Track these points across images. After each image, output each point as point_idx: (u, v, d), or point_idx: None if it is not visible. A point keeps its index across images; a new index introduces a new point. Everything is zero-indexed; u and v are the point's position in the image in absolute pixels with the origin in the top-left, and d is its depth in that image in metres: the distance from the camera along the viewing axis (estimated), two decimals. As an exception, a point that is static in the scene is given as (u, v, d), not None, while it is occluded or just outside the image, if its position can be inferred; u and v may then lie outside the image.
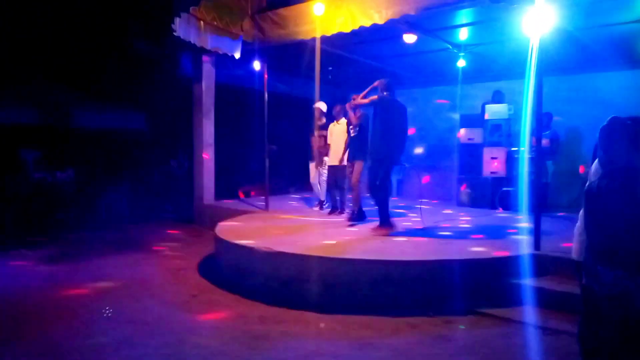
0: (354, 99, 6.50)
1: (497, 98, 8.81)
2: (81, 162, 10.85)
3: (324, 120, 7.96)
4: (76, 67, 13.28)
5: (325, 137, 7.80)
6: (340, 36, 6.57)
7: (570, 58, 8.15)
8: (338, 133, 7.50)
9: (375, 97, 6.01)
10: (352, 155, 6.87)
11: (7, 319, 4.23)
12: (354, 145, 6.85)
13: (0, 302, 4.72)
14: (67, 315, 4.32)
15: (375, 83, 6.05)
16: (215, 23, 7.14)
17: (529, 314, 4.22)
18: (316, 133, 7.83)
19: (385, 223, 5.93)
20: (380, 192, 5.84)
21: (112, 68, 13.29)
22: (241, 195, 10.70)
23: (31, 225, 8.86)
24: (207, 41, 7.14)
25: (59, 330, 3.97)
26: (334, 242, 5.52)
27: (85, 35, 13.05)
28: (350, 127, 6.95)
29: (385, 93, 5.93)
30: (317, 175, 8.11)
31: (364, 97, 6.22)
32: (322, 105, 7.97)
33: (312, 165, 8.26)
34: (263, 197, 8.70)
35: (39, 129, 10.87)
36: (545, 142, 7.64)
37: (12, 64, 12.02)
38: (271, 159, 8.47)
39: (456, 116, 9.35)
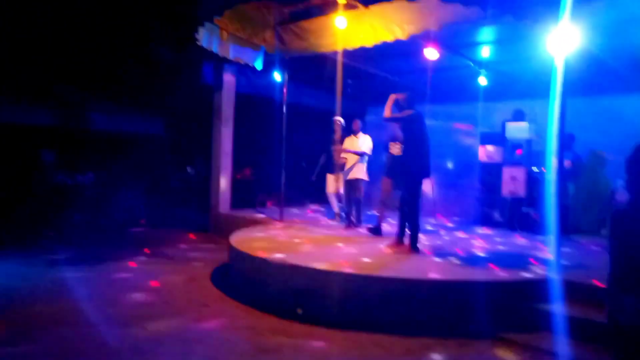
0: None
1: (518, 116, 8.70)
2: (101, 166, 11.00)
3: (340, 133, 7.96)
4: (99, 72, 13.50)
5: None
6: (361, 50, 6.58)
7: (594, 80, 8.02)
8: (355, 148, 7.49)
9: (409, 111, 5.79)
10: (392, 172, 6.73)
11: (18, 320, 4.24)
12: (395, 162, 6.67)
13: (13, 302, 4.75)
14: (76, 320, 4.32)
15: (395, 96, 5.90)
16: (237, 33, 7.22)
17: (549, 340, 4.08)
18: (337, 146, 7.81)
19: (414, 241, 5.74)
20: (415, 208, 5.71)
21: (133, 74, 13.48)
22: (269, 205, 10.68)
23: (49, 227, 8.97)
24: (229, 51, 7.22)
25: (68, 334, 3.97)
26: (347, 256, 5.46)
27: (108, 40, 13.29)
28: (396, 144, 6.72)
29: (408, 110, 5.82)
30: (335, 188, 8.10)
31: (392, 112, 5.96)
32: (341, 119, 7.97)
33: (330, 177, 8.24)
34: (278, 208, 8.69)
35: (61, 131, 11.08)
36: (567, 163, 7.50)
37: (36, 68, 12.28)
38: (288, 170, 8.47)
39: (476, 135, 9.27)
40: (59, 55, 12.87)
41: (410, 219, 5.73)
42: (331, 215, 8.65)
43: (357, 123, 7.66)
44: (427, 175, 5.80)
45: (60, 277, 5.73)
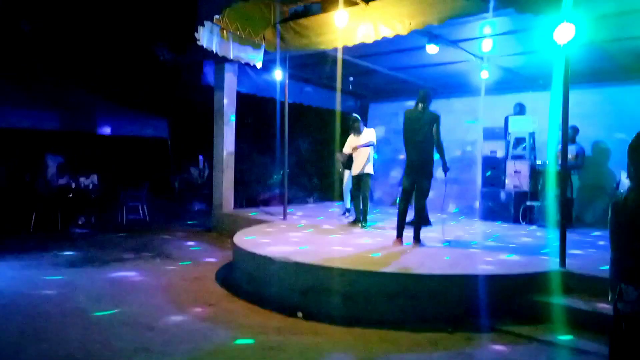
0: None
1: (519, 110, 8.67)
2: (104, 168, 11.04)
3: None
4: (101, 74, 13.57)
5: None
6: (361, 46, 6.56)
7: (597, 70, 7.99)
8: (360, 142, 7.51)
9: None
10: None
11: (25, 322, 4.26)
12: None
13: (18, 305, 4.77)
14: (83, 321, 4.34)
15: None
16: (238, 32, 7.21)
17: (554, 332, 4.07)
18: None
19: (417, 235, 5.93)
20: (423, 202, 5.91)
21: (136, 76, 13.54)
22: (272, 203, 10.72)
23: (53, 229, 9.02)
24: (230, 50, 7.21)
25: (74, 335, 3.98)
26: (352, 253, 5.46)
27: (110, 43, 13.34)
28: None
29: (420, 105, 5.89)
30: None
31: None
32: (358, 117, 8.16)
33: (347, 173, 8.25)
34: (281, 207, 8.69)
35: (64, 135, 11.11)
36: (571, 156, 7.48)
37: (39, 71, 12.34)
38: (290, 169, 8.49)
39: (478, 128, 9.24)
40: (62, 60, 12.94)
41: (419, 211, 5.90)
42: (345, 211, 8.64)
43: (358, 121, 7.68)
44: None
45: (66, 279, 5.75)
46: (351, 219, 7.92)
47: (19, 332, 4.02)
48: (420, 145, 5.77)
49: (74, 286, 5.46)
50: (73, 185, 9.68)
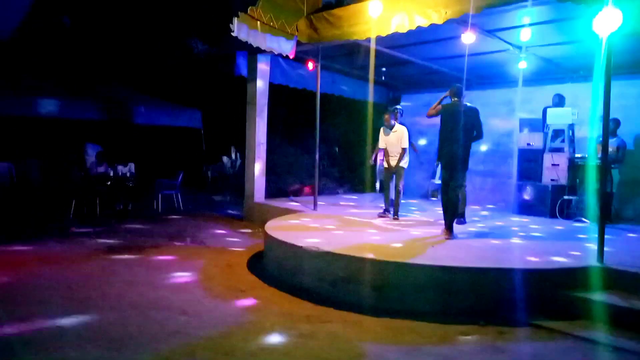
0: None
1: (558, 102, 8.41)
2: (141, 157, 11.34)
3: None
4: (138, 67, 13.90)
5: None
6: (395, 36, 6.48)
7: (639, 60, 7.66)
8: (392, 138, 7.43)
9: (439, 106, 6.17)
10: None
11: (71, 304, 4.45)
12: None
13: (70, 282, 4.98)
14: (120, 304, 4.49)
15: (447, 93, 6.18)
16: (271, 23, 7.24)
17: (590, 329, 3.97)
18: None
19: (450, 226, 5.95)
20: (456, 194, 6.03)
21: (171, 68, 13.80)
22: (304, 193, 10.78)
23: (92, 216, 9.34)
24: (263, 41, 7.25)
25: (112, 318, 4.13)
26: (382, 243, 5.45)
27: (147, 37, 13.64)
28: None
29: (454, 99, 5.99)
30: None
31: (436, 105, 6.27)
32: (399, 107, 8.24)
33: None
34: (312, 197, 8.73)
35: (103, 125, 11.48)
36: (611, 149, 7.22)
37: (81, 64, 12.75)
38: (321, 160, 8.49)
39: (515, 120, 9.01)
40: (101, 54, 13.33)
41: (453, 203, 5.97)
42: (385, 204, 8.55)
43: (389, 117, 7.54)
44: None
45: (103, 264, 5.97)
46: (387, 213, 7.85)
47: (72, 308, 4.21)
48: (458, 139, 5.81)
49: (110, 270, 5.66)
50: (111, 174, 9.99)
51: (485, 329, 4.05)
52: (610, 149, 6.95)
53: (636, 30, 5.96)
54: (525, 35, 6.71)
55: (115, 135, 11.81)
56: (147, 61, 14.03)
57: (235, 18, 6.90)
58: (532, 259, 4.94)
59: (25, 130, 10.63)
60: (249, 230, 8.54)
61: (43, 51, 12.74)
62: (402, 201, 7.67)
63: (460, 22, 6.34)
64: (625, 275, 4.37)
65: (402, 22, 6.10)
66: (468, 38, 6.54)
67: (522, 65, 8.07)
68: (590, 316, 4.11)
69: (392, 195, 7.53)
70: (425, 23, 5.88)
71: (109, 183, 9.84)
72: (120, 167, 10.17)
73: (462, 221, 6.97)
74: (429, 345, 3.74)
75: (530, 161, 8.37)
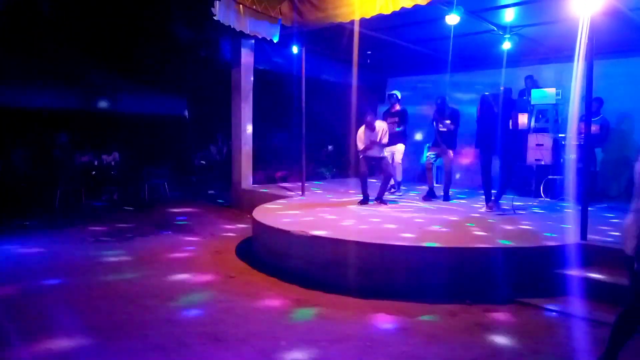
0: None
1: (529, 84, 8.48)
2: (125, 146, 11.19)
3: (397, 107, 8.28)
4: (120, 53, 13.61)
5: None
6: (379, 18, 6.43)
7: (623, 40, 7.71)
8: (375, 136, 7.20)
9: None
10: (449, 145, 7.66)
11: (57, 297, 4.43)
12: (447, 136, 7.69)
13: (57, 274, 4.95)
14: (109, 294, 4.48)
15: None
16: (254, 7, 7.13)
17: (574, 304, 4.06)
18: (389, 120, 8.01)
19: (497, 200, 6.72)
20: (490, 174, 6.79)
21: (154, 54, 13.54)
22: (290, 179, 10.79)
23: (77, 205, 9.25)
24: (246, 25, 7.14)
25: (102, 307, 4.12)
26: (368, 227, 5.48)
27: (127, 21, 13.33)
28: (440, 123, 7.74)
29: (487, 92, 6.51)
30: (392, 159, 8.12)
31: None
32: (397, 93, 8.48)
33: (389, 150, 8.14)
34: (299, 183, 8.72)
35: (86, 114, 11.29)
36: (594, 128, 7.30)
37: (58, 51, 12.43)
38: (308, 144, 8.45)
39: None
40: (80, 40, 13.00)
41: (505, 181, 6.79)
42: (391, 187, 8.36)
43: (371, 119, 7.14)
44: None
45: (90, 254, 5.93)
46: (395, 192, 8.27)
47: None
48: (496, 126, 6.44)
49: (95, 260, 5.62)
50: (96, 163, 9.87)
51: (472, 307, 4.12)
52: (592, 128, 7.02)
53: (619, 9, 6.01)
54: (509, 15, 6.72)
55: (99, 123, 11.62)
56: (130, 47, 13.76)
57: (217, 1, 6.79)
58: (517, 237, 5.00)
59: (7, 121, 10.41)
60: (237, 217, 8.53)
61: (23, 38, 12.42)
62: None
63: (445, 2, 6.32)
64: (607, 251, 4.45)
65: (386, 3, 6.05)
66: (452, 19, 6.52)
67: (507, 46, 8.09)
68: (574, 292, 4.20)
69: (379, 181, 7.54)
70: (409, 3, 5.84)
71: (93, 172, 9.72)
72: (104, 156, 10.05)
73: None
74: (417, 324, 3.79)
75: (515, 142, 8.42)
